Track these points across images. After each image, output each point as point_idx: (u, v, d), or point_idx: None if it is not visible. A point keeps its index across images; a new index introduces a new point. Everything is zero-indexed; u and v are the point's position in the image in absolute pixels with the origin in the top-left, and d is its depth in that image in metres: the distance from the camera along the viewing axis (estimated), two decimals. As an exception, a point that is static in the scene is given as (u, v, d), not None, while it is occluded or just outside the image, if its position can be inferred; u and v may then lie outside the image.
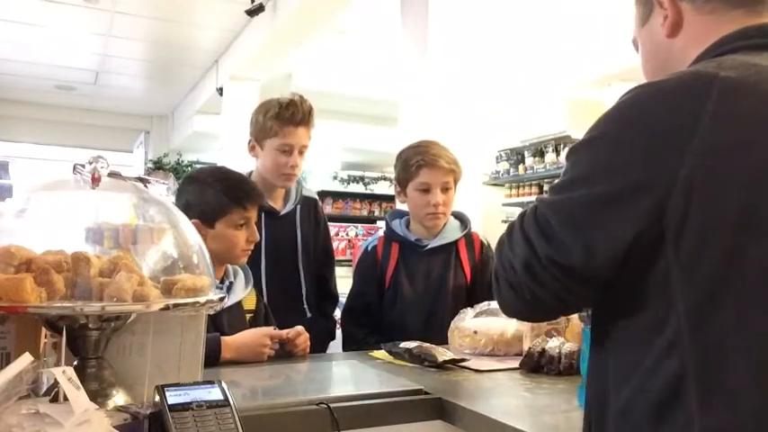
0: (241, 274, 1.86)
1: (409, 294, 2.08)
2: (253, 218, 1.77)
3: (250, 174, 2.20)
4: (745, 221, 0.71)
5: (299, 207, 2.24)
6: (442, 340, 1.84)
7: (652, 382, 0.75)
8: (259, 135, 2.14)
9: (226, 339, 1.63)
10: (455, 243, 2.13)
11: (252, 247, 1.78)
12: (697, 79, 0.77)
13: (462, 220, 2.20)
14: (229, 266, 1.83)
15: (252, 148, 2.19)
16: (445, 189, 2.06)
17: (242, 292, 1.83)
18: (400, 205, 2.28)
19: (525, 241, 0.82)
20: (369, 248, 2.20)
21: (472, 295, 2.07)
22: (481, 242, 2.18)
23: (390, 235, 2.18)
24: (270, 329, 1.73)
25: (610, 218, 0.76)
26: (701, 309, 0.72)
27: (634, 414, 0.77)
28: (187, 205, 1.69)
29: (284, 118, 2.09)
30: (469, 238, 2.16)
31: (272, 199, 2.19)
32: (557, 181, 0.85)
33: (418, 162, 2.04)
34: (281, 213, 2.20)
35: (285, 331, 1.74)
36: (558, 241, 0.79)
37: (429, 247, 2.11)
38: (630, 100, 0.81)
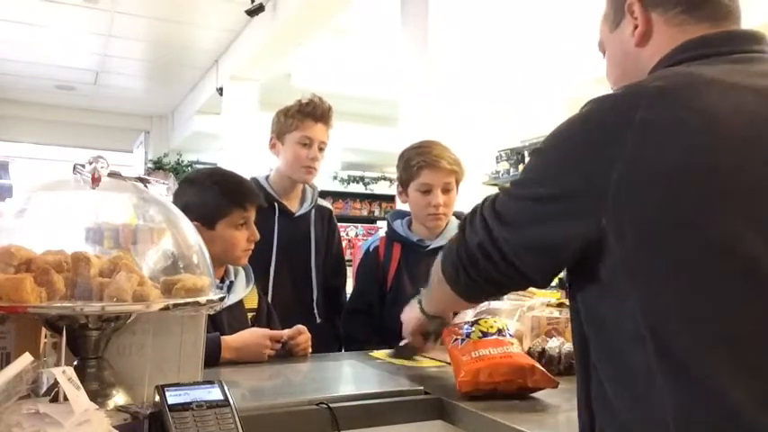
0: (242, 273, 1.86)
1: (411, 295, 2.06)
2: (252, 217, 1.77)
3: (267, 176, 2.26)
4: (668, 220, 0.75)
5: (313, 211, 2.28)
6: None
7: (621, 372, 0.80)
8: (280, 131, 2.23)
9: (226, 339, 1.62)
10: (456, 243, 2.13)
11: (252, 246, 1.78)
12: (630, 92, 0.82)
13: (463, 219, 2.20)
14: (230, 265, 1.83)
15: (273, 146, 2.26)
16: (446, 190, 2.06)
17: (242, 291, 1.83)
18: (401, 205, 2.27)
19: (482, 224, 0.93)
20: (370, 249, 2.19)
21: (473, 295, 2.07)
22: None
23: (392, 235, 2.18)
24: (269, 330, 1.72)
25: (549, 218, 0.85)
26: (649, 300, 0.76)
27: (613, 401, 0.81)
28: (186, 208, 1.68)
29: (304, 113, 2.20)
30: (471, 238, 2.16)
31: (288, 200, 2.24)
32: (517, 177, 0.94)
33: (419, 163, 2.04)
34: (297, 214, 2.24)
35: (285, 331, 1.74)
36: (506, 232, 0.89)
37: (431, 247, 2.10)
38: (577, 114, 0.86)
